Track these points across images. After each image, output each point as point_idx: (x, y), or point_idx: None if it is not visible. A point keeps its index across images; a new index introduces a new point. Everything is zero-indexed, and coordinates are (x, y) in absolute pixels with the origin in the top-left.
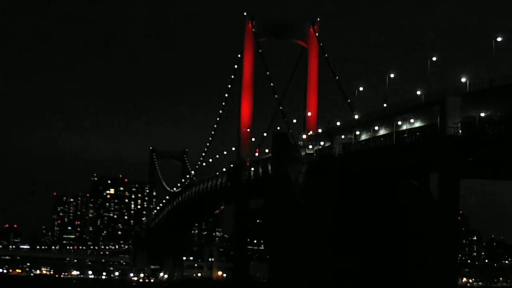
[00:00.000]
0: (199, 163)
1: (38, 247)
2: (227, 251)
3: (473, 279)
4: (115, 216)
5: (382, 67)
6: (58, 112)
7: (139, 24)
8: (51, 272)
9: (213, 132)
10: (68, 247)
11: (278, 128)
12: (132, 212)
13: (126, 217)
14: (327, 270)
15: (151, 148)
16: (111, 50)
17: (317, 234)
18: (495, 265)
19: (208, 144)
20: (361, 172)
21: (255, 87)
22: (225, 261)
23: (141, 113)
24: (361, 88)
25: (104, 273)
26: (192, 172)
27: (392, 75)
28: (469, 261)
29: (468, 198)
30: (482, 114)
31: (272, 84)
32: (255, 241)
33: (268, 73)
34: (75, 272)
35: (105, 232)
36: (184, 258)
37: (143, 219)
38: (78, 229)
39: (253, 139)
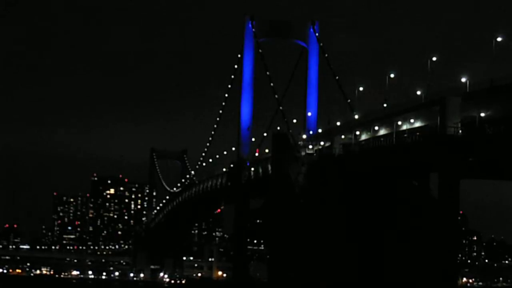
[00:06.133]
0: (199, 163)
1: (38, 247)
2: (227, 251)
3: (473, 279)
4: (115, 216)
5: (383, 67)
6: (58, 113)
7: (139, 24)
8: (51, 272)
9: (213, 132)
10: (68, 247)
11: (278, 128)
12: (132, 212)
13: (126, 217)
14: (327, 270)
15: (151, 148)
16: (112, 50)
17: (317, 234)
18: (495, 265)
19: (208, 144)
20: (361, 172)
21: (255, 87)
22: (225, 261)
23: (141, 113)
24: (361, 88)
25: (104, 273)
26: (192, 172)
27: (392, 75)
28: (469, 261)
29: (468, 198)
30: (482, 114)
31: (272, 84)
32: (255, 241)
33: (268, 73)
34: (75, 272)
35: (105, 232)
36: (184, 258)
37: (143, 219)
38: (78, 229)
39: (253, 139)
